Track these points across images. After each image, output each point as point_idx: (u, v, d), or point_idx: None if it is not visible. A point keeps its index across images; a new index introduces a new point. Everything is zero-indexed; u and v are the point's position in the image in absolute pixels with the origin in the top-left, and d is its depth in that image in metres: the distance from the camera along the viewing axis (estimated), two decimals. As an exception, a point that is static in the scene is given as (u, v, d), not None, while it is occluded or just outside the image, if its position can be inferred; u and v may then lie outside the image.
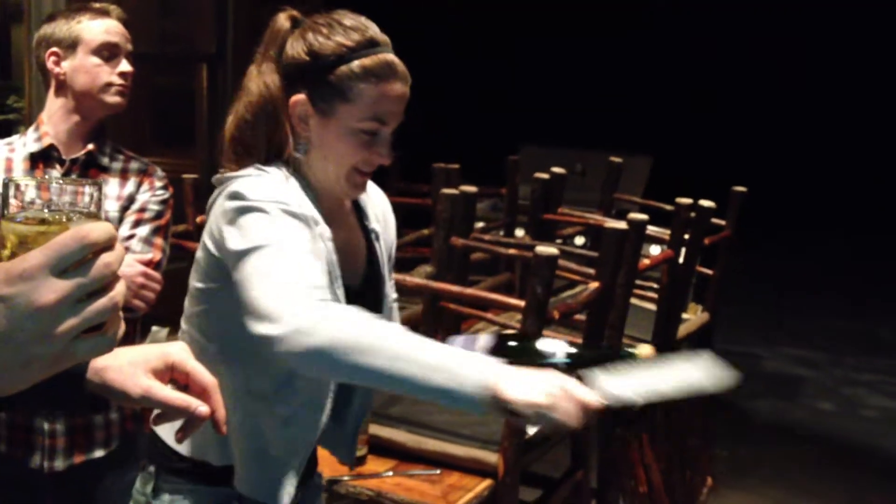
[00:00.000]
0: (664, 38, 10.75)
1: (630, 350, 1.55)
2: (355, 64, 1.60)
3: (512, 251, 3.37)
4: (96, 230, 0.74)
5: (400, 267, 3.94)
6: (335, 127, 1.63)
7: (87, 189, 0.78)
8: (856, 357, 7.21)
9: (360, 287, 1.75)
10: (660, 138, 9.01)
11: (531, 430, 2.68)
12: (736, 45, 10.83)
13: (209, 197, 1.68)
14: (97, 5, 2.38)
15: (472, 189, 3.59)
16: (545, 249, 2.59)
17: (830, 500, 4.79)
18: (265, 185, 1.59)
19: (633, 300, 3.54)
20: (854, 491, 4.91)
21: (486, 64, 10.45)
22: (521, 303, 2.63)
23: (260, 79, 1.68)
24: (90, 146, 2.34)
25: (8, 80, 6.30)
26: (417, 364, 1.37)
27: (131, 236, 2.28)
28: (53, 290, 0.73)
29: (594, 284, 3.00)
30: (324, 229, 1.62)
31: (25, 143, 2.34)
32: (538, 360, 1.54)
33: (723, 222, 4.40)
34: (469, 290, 3.04)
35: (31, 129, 2.37)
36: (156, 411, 1.11)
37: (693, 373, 1.53)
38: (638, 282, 3.63)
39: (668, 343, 3.88)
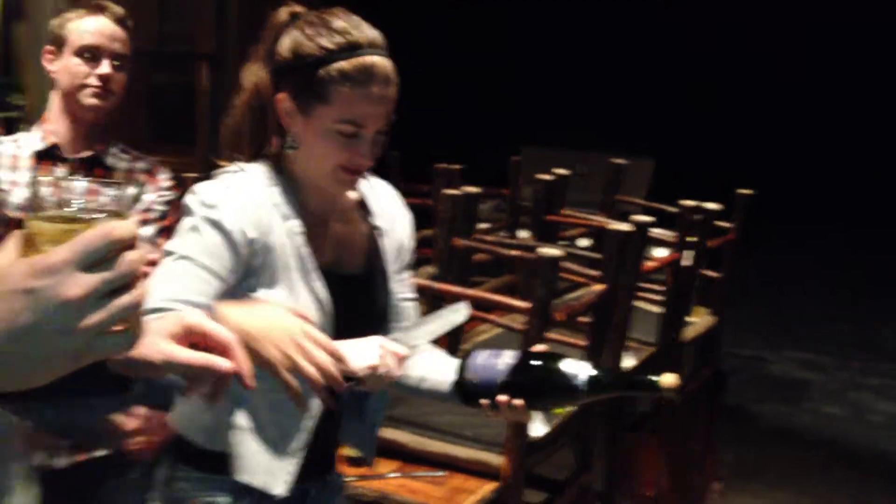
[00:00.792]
0: (668, 39, 10.74)
1: (652, 378, 1.53)
2: (333, 67, 1.61)
3: (515, 252, 3.34)
4: (121, 228, 0.76)
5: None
6: (314, 126, 1.65)
7: (113, 189, 0.80)
8: (862, 361, 7.17)
9: (359, 280, 1.77)
10: (663, 139, 8.98)
11: (536, 432, 2.65)
12: (739, 46, 10.82)
13: None
14: (95, 2, 2.36)
15: (474, 190, 3.56)
16: (549, 251, 2.57)
17: (836, 503, 4.76)
18: (226, 186, 1.65)
19: (638, 303, 3.51)
20: (860, 495, 4.88)
21: (488, 64, 10.43)
22: (525, 304, 2.60)
23: (253, 74, 1.72)
24: (97, 146, 2.34)
25: (10, 78, 6.29)
26: None
27: None
28: (79, 284, 0.74)
29: (598, 286, 2.97)
30: (293, 224, 1.66)
31: (31, 141, 2.34)
32: (561, 381, 1.54)
33: (728, 224, 4.38)
34: (471, 292, 3.01)
35: (36, 126, 2.37)
36: (186, 385, 1.10)
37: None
38: (642, 284, 3.61)
39: (673, 346, 3.85)
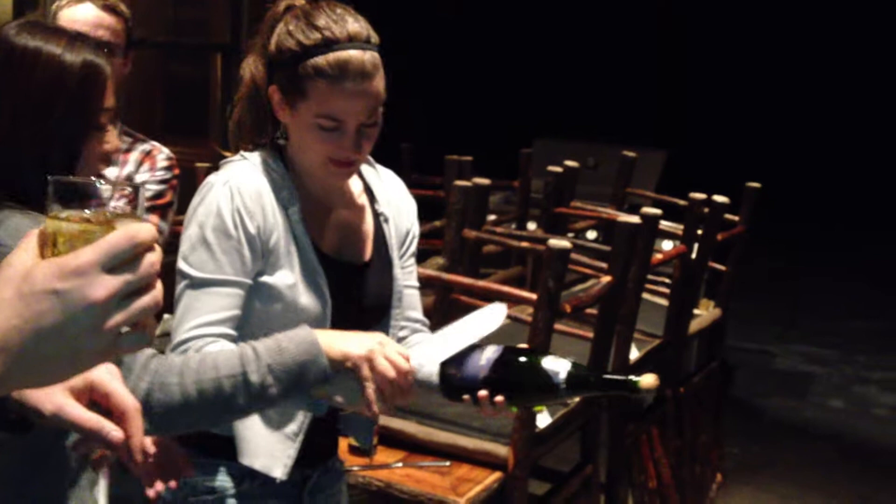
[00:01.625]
0: (679, 32, 10.71)
1: (632, 379, 1.53)
2: (309, 63, 1.64)
3: (524, 244, 3.36)
4: (144, 230, 0.78)
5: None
6: (298, 120, 1.69)
7: (127, 190, 0.82)
8: (867, 355, 7.18)
9: (365, 266, 1.80)
10: (674, 132, 8.97)
11: (542, 424, 2.67)
12: (750, 40, 10.78)
13: None
14: None
15: (484, 181, 3.58)
16: (558, 243, 2.58)
17: (841, 497, 4.78)
18: (223, 181, 1.68)
19: (645, 295, 3.53)
20: (864, 489, 4.90)
21: (500, 56, 10.42)
22: (533, 296, 2.63)
23: (250, 66, 1.76)
24: None
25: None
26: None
27: None
28: (105, 286, 0.75)
29: (606, 278, 2.99)
30: (292, 211, 1.71)
31: None
32: (541, 378, 1.53)
33: (736, 218, 4.38)
34: (481, 283, 3.04)
35: None
36: (74, 436, 1.08)
37: (485, 324, 1.63)
38: (650, 277, 3.62)
39: (679, 339, 3.87)
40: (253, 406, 1.47)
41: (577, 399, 2.68)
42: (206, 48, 6.36)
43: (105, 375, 1.08)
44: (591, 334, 3.03)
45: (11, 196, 1.38)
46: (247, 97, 1.76)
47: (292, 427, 1.76)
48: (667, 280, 3.92)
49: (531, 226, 4.71)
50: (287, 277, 1.68)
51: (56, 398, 1.03)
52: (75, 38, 1.44)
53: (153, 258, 0.78)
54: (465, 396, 1.60)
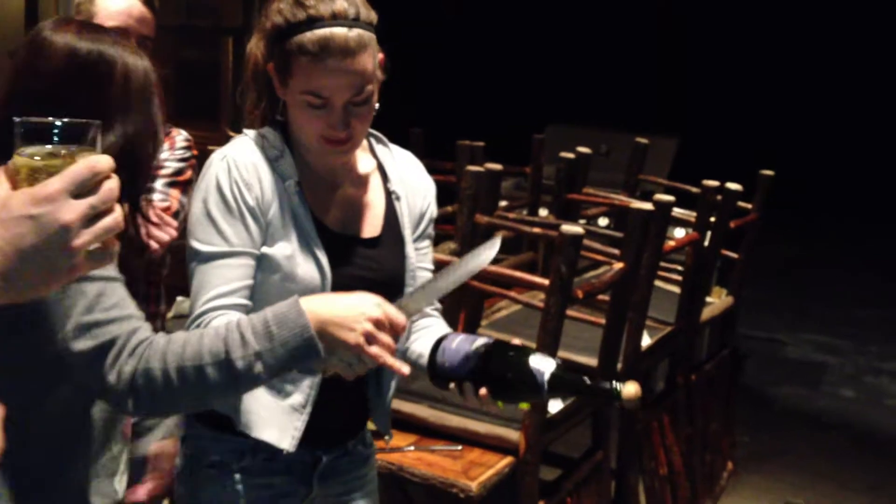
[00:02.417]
0: (692, 18, 10.65)
1: (615, 387, 1.52)
2: (294, 40, 1.65)
3: (537, 230, 3.35)
4: (102, 161, 0.90)
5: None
6: (289, 97, 1.72)
7: (86, 128, 0.93)
8: (880, 345, 7.15)
9: (374, 242, 1.81)
10: (686, 119, 8.93)
11: (553, 409, 2.67)
12: (765, 24, 10.72)
13: None
14: None
15: (497, 167, 3.57)
16: (570, 228, 2.57)
17: (852, 487, 4.76)
18: (221, 157, 1.71)
19: (657, 282, 3.51)
20: (875, 478, 4.88)
21: (512, 41, 10.39)
22: (545, 281, 2.62)
23: (254, 44, 1.79)
24: None
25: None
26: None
27: (149, 189, 2.29)
28: (73, 209, 0.87)
29: (618, 265, 2.98)
30: (290, 183, 1.73)
31: None
32: (525, 376, 1.53)
33: (749, 206, 4.36)
34: (493, 268, 3.02)
35: None
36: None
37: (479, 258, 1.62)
38: (662, 264, 3.61)
39: (691, 326, 3.86)
40: (239, 390, 1.45)
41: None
42: (217, 31, 6.35)
43: None
44: (602, 321, 3.02)
45: None
46: (252, 76, 1.79)
47: (298, 398, 1.76)
48: (679, 267, 3.91)
49: (543, 212, 4.69)
50: (284, 248, 1.70)
51: None
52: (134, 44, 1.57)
53: (112, 184, 0.90)
54: (451, 385, 1.62)
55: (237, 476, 1.78)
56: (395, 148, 1.91)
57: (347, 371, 1.51)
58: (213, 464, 1.79)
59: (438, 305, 1.94)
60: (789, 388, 6.18)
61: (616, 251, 3.10)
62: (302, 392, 1.77)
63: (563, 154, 4.37)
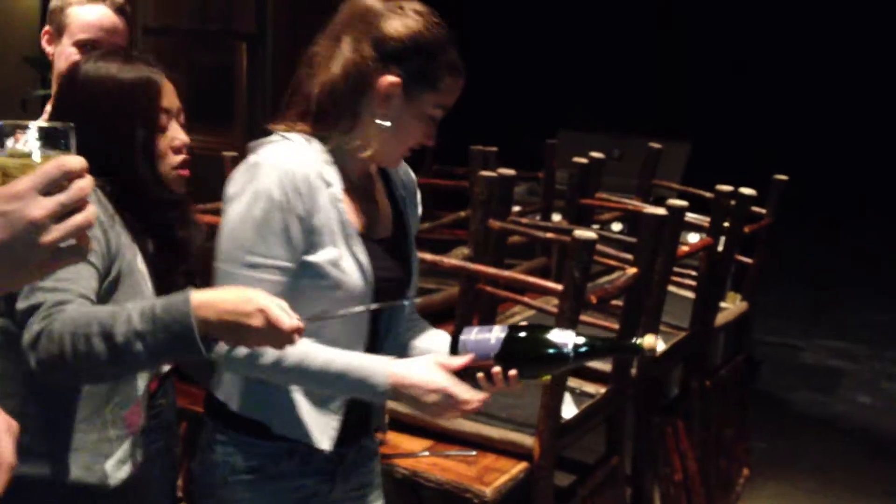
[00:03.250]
0: (703, 21, 10.63)
1: (634, 342, 1.63)
2: (445, 58, 1.75)
3: (550, 235, 3.34)
4: (73, 160, 0.92)
5: (437, 249, 3.94)
6: (413, 110, 1.77)
7: (61, 130, 0.96)
8: (896, 351, 7.11)
9: (390, 243, 1.87)
10: (699, 124, 8.90)
11: (568, 415, 2.66)
12: (778, 30, 10.69)
13: None
14: None
15: (509, 172, 3.56)
16: (583, 233, 2.57)
17: (867, 493, 4.73)
18: (271, 164, 1.71)
19: (671, 287, 3.50)
20: (892, 484, 4.85)
21: (524, 47, 10.39)
22: (559, 287, 2.61)
23: (349, 52, 1.75)
24: None
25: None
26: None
27: None
28: (41, 206, 0.90)
29: (632, 270, 2.97)
30: (335, 191, 1.75)
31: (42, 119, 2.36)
32: (551, 349, 1.64)
33: (763, 210, 4.35)
34: (506, 273, 3.02)
35: (45, 109, 2.38)
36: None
37: None
38: (676, 269, 3.59)
39: (705, 331, 3.85)
40: (121, 367, 1.49)
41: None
42: (231, 36, 6.38)
43: None
44: (616, 326, 3.01)
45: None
46: (343, 81, 1.75)
47: (335, 401, 1.81)
48: (693, 272, 3.89)
49: (556, 217, 4.68)
50: (330, 254, 1.73)
51: None
52: (129, 58, 1.83)
53: (83, 184, 0.92)
54: (480, 374, 1.70)
55: (274, 480, 1.80)
56: None
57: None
58: (250, 469, 1.80)
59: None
60: (805, 393, 6.15)
61: (629, 256, 3.09)
62: (336, 397, 1.81)
63: (576, 159, 4.36)
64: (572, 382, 2.80)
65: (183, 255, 1.87)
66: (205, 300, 1.43)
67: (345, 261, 1.73)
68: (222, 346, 1.56)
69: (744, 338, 4.56)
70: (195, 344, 1.41)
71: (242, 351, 1.63)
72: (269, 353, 1.67)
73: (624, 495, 3.26)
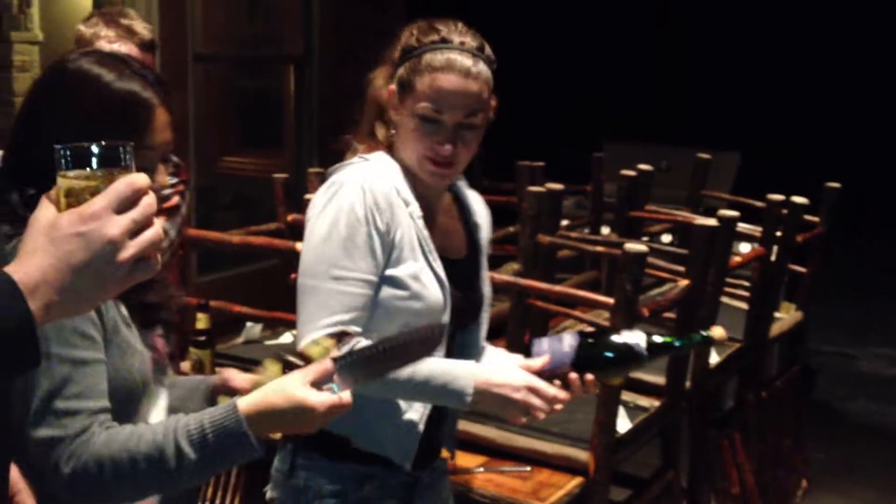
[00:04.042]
0: (750, 31, 10.55)
1: (704, 334, 1.70)
2: (424, 58, 1.78)
3: (600, 248, 3.34)
4: (140, 178, 0.95)
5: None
6: (405, 113, 1.81)
7: (121, 148, 0.98)
8: (955, 359, 6.97)
9: (463, 266, 1.92)
10: (748, 133, 8.83)
11: (622, 429, 2.65)
12: (829, 37, 10.58)
13: (298, 195, 1.84)
14: (125, 22, 2.33)
15: (558, 186, 3.57)
16: (634, 246, 2.57)
17: (929, 504, 4.64)
18: (354, 184, 1.77)
19: (724, 298, 3.48)
20: (954, 495, 4.75)
21: (570, 61, 10.38)
22: (610, 300, 2.61)
23: (381, 73, 1.90)
24: None
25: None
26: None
27: None
28: (117, 224, 0.93)
29: (684, 282, 2.96)
30: (414, 209, 1.81)
31: None
32: (625, 351, 1.68)
33: (816, 219, 4.30)
34: (557, 288, 3.03)
35: None
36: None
37: None
38: (729, 280, 3.57)
39: (760, 342, 3.81)
40: (176, 488, 1.43)
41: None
42: (279, 60, 6.46)
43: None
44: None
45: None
46: (370, 104, 1.90)
47: (413, 416, 1.84)
48: (746, 283, 3.86)
49: (605, 230, 4.67)
50: (411, 268, 1.78)
51: None
52: (131, 69, 1.49)
53: (150, 200, 0.95)
54: (557, 382, 1.73)
55: None
56: (462, 184, 2.04)
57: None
58: (335, 493, 1.82)
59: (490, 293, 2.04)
60: (862, 403, 6.05)
61: (681, 268, 3.08)
62: (416, 410, 1.84)
63: (624, 171, 4.35)
64: (626, 396, 2.79)
65: (156, 319, 1.62)
66: (255, 412, 1.40)
67: (424, 275, 1.78)
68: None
69: (799, 348, 4.51)
70: (255, 451, 1.40)
71: None
72: None
73: (681, 509, 3.24)
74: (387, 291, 1.77)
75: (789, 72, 10.79)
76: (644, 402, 2.94)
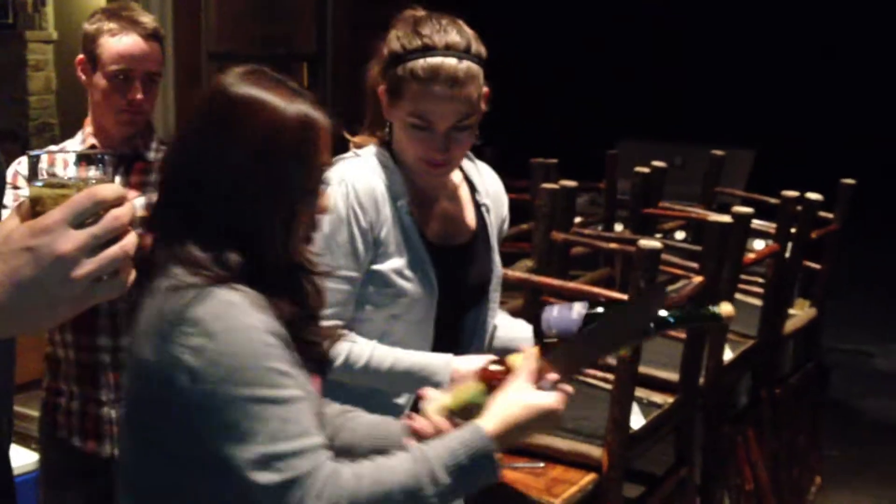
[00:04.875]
0: (763, 27, 10.51)
1: (712, 310, 1.67)
2: (406, 66, 1.78)
3: (613, 245, 3.34)
4: (106, 189, 0.87)
5: (501, 262, 3.95)
6: (396, 119, 1.84)
7: (97, 157, 0.92)
8: (970, 355, 6.93)
9: (467, 249, 1.93)
10: (762, 130, 8.80)
11: (636, 425, 2.65)
12: (841, 33, 10.53)
13: None
14: (127, 13, 2.34)
15: (571, 183, 3.57)
16: (648, 243, 2.56)
17: (946, 502, 4.62)
18: (339, 180, 1.80)
19: (738, 295, 3.48)
20: (971, 493, 4.73)
21: (583, 58, 10.37)
22: (624, 297, 2.61)
23: (373, 67, 1.93)
24: (137, 142, 2.38)
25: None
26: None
27: None
28: (71, 239, 0.85)
29: (697, 279, 2.95)
30: (403, 203, 1.84)
31: (73, 145, 2.42)
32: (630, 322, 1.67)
33: (830, 215, 4.29)
34: (571, 284, 3.03)
35: (81, 130, 2.44)
36: None
37: None
38: (743, 276, 3.56)
39: (774, 339, 3.80)
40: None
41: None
42: (292, 58, 6.47)
43: None
44: (683, 335, 3.00)
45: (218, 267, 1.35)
46: (367, 98, 1.92)
47: (401, 401, 1.92)
48: (760, 280, 3.85)
49: (618, 227, 4.67)
50: (397, 264, 1.81)
51: None
52: (295, 91, 1.44)
53: (118, 213, 0.87)
54: None
55: None
56: (477, 161, 2.06)
57: None
58: None
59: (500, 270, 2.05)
60: (878, 400, 6.03)
61: (695, 265, 3.08)
62: (403, 395, 1.92)
63: (638, 168, 4.34)
64: (640, 392, 2.78)
65: (317, 359, 1.55)
66: (501, 430, 1.42)
67: (409, 269, 1.81)
68: None
69: (813, 345, 4.49)
70: (499, 470, 1.43)
71: None
72: (340, 355, 1.74)
73: (695, 506, 3.24)
74: (372, 286, 1.82)
75: (804, 69, 10.75)
76: (658, 398, 2.93)
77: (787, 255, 3.80)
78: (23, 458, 2.83)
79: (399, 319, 1.83)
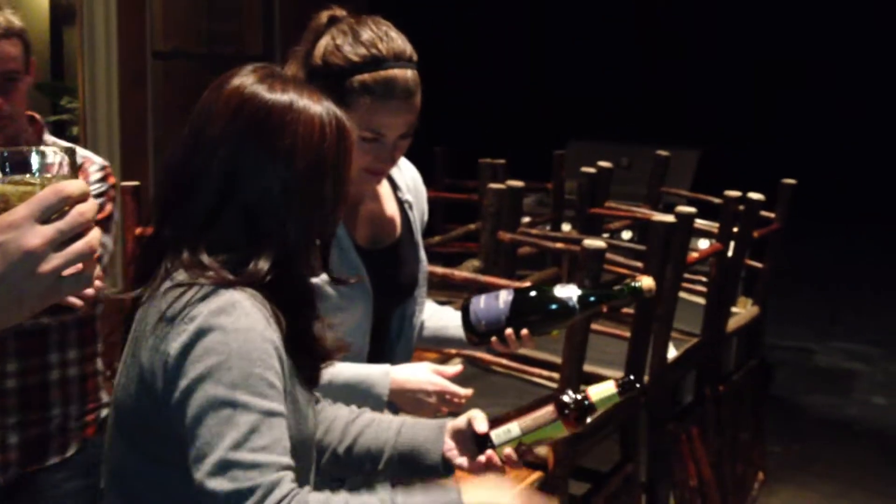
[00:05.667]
0: (710, 31, 10.65)
1: (633, 285, 1.70)
2: (356, 79, 1.68)
3: (559, 245, 3.37)
4: (71, 185, 0.87)
5: (448, 261, 3.96)
6: None
7: (61, 155, 0.92)
8: (910, 352, 7.09)
9: (395, 248, 1.89)
10: (707, 131, 8.92)
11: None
12: (786, 35, 10.71)
13: None
14: None
15: (518, 184, 3.59)
16: (593, 243, 2.59)
17: (884, 495, 4.72)
18: None
19: (682, 294, 3.52)
20: (909, 486, 4.84)
21: (531, 59, 10.43)
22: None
23: (291, 73, 1.77)
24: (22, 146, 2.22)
25: (61, 81, 6.40)
26: None
27: None
28: (38, 235, 0.85)
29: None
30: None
31: None
32: (557, 306, 1.70)
33: (772, 215, 4.36)
34: (517, 284, 3.04)
35: None
36: None
37: None
38: (686, 275, 3.61)
39: (717, 337, 3.86)
40: None
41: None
42: (239, 59, 6.42)
43: None
44: (628, 334, 3.03)
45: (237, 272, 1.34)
46: None
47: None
48: (704, 279, 3.91)
49: (566, 227, 4.71)
50: (325, 277, 1.75)
51: None
52: (314, 90, 1.40)
53: (83, 209, 0.87)
54: (493, 339, 1.76)
55: None
56: None
57: None
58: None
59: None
60: (820, 396, 6.14)
61: (639, 264, 3.12)
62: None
63: (585, 169, 4.39)
64: (585, 391, 2.81)
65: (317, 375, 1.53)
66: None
67: (343, 276, 1.71)
68: None
69: (756, 342, 4.57)
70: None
71: None
72: None
73: (639, 503, 3.27)
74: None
75: (747, 72, 10.91)
76: (603, 396, 2.96)
77: (730, 254, 3.86)
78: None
79: (337, 328, 1.80)
